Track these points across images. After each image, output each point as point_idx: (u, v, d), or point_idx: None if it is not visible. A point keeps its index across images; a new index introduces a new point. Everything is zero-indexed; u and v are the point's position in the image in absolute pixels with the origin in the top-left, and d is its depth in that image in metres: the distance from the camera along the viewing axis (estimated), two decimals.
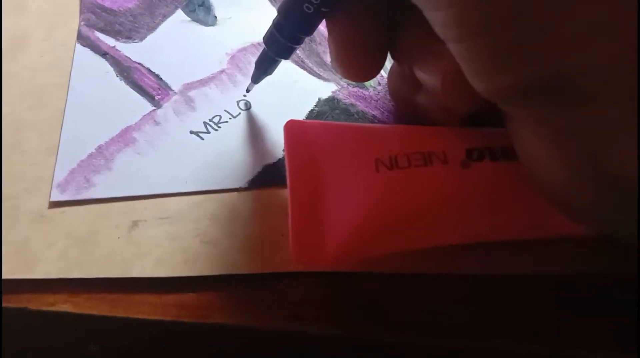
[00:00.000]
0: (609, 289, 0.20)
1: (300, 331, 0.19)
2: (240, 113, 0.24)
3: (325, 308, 0.19)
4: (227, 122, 0.23)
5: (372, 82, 0.26)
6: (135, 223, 0.20)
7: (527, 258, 0.20)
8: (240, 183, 0.22)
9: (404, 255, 0.20)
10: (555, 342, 0.19)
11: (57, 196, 0.21)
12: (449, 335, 0.19)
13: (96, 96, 0.24)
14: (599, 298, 0.20)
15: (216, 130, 0.23)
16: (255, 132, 0.23)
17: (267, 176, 0.22)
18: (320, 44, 0.27)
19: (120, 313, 0.19)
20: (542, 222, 0.20)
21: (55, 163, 0.22)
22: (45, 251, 0.20)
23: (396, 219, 0.18)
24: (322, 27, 0.28)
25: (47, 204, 0.21)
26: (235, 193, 0.21)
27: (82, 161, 0.22)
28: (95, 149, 0.22)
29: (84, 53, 0.25)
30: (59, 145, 0.22)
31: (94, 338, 0.21)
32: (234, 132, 0.23)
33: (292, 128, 0.21)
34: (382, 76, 0.26)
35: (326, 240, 0.18)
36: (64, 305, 0.19)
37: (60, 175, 0.21)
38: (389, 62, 0.21)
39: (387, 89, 0.25)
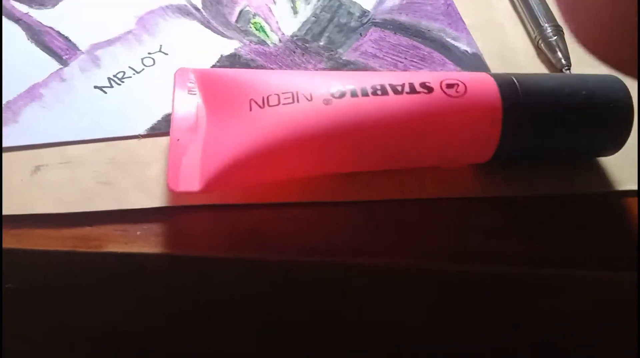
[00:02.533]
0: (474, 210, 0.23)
1: (189, 257, 0.21)
2: (143, 69, 0.25)
3: (213, 235, 0.21)
4: (130, 77, 0.25)
5: (273, 40, 0.27)
6: (37, 168, 0.22)
7: (396, 185, 0.23)
8: (140, 130, 0.23)
9: (286, 186, 0.22)
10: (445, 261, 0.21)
11: None
12: (339, 254, 0.21)
13: (6, 59, 0.25)
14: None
15: (119, 85, 0.25)
16: (156, 86, 0.25)
17: (165, 124, 0.23)
18: (226, 5, 0.29)
19: (23, 245, 0.20)
20: (399, 151, 0.22)
21: None
22: None
23: (267, 152, 0.20)
24: None
25: None
26: (135, 140, 0.23)
27: None
28: (3, 104, 0.24)
29: None
30: None
31: (8, 275, 0.22)
32: (137, 87, 0.25)
33: (180, 76, 0.23)
34: (283, 33, 0.28)
35: (201, 169, 0.20)
36: None
37: None
38: None
39: (287, 45, 0.27)
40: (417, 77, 0.22)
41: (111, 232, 0.21)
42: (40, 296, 0.24)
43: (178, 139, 0.21)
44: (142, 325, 0.26)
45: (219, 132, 0.21)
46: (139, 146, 0.23)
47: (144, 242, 0.21)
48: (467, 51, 0.27)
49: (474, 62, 0.27)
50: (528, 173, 0.23)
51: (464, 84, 0.22)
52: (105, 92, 0.24)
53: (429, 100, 0.21)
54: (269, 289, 0.23)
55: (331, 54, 0.27)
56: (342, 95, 0.21)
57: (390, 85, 0.21)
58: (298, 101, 0.21)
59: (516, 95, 0.22)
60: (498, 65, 0.27)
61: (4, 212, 0.21)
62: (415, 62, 0.27)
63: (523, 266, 0.21)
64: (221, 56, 0.26)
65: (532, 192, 0.23)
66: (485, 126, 0.22)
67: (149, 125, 0.23)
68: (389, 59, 0.27)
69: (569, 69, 0.27)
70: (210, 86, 0.22)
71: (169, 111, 0.24)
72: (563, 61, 0.27)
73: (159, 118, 0.24)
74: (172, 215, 0.21)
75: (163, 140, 0.23)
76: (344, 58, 0.27)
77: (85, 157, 0.22)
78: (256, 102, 0.21)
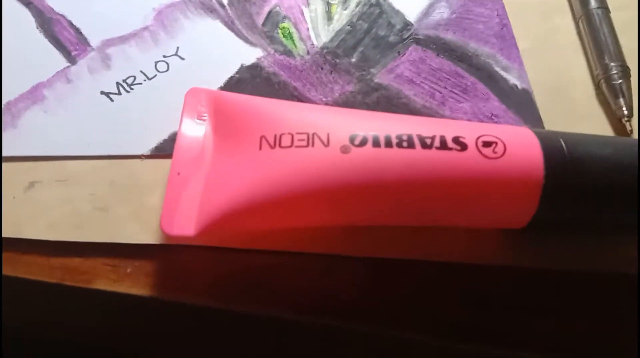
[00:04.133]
0: (497, 280, 0.20)
1: (181, 303, 0.19)
2: (156, 75, 0.23)
3: (207, 282, 0.20)
4: (140, 84, 0.23)
5: (300, 51, 0.25)
6: (32, 184, 0.21)
7: (415, 243, 0.21)
8: (144, 149, 0.21)
9: (291, 233, 0.20)
10: (442, 333, 0.19)
11: None
12: (335, 315, 0.20)
13: (13, 48, 0.23)
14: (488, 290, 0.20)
15: (128, 92, 0.23)
16: (167, 97, 0.23)
17: (172, 145, 0.21)
18: (254, 3, 0.26)
19: (8, 271, 0.19)
20: (423, 210, 0.19)
21: None
22: None
23: (274, 199, 0.18)
24: None
25: None
26: (138, 160, 0.21)
27: None
28: (4, 105, 0.22)
29: (8, 1, 0.25)
30: None
31: None
32: (146, 96, 0.23)
33: (191, 97, 0.21)
34: (313, 44, 0.25)
35: (199, 212, 0.19)
36: None
37: None
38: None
39: (314, 59, 0.25)
40: (449, 128, 0.19)
41: (101, 266, 0.20)
42: (23, 311, 0.23)
43: (179, 173, 0.19)
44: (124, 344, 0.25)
45: (223, 170, 0.19)
46: (141, 167, 0.21)
47: (133, 281, 0.19)
48: (516, 86, 0.24)
49: (522, 99, 0.24)
50: (562, 243, 0.21)
51: (503, 144, 0.19)
52: (112, 100, 0.22)
53: (461, 159, 0.19)
54: (263, 341, 0.22)
55: (362, 75, 0.24)
56: (363, 143, 0.19)
57: (418, 136, 0.19)
58: (313, 144, 0.19)
59: (562, 161, 0.19)
60: (548, 100, 0.24)
61: None
62: (456, 94, 0.24)
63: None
64: (242, 65, 0.24)
65: (565, 266, 0.21)
66: (524, 191, 0.19)
67: (154, 144, 0.22)
68: (426, 87, 0.24)
69: (629, 120, 0.23)
70: (222, 114, 0.20)
71: (176, 129, 0.22)
72: (625, 110, 0.23)
73: (166, 137, 0.22)
74: (166, 253, 0.20)
75: (167, 163, 0.21)
76: (375, 80, 0.24)
77: (84, 176, 0.21)
78: (267, 141, 0.19)
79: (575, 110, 0.24)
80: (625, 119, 0.24)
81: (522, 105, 0.24)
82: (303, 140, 0.19)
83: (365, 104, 0.23)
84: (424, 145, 0.19)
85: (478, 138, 0.19)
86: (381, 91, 0.24)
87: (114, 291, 0.19)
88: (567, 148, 0.19)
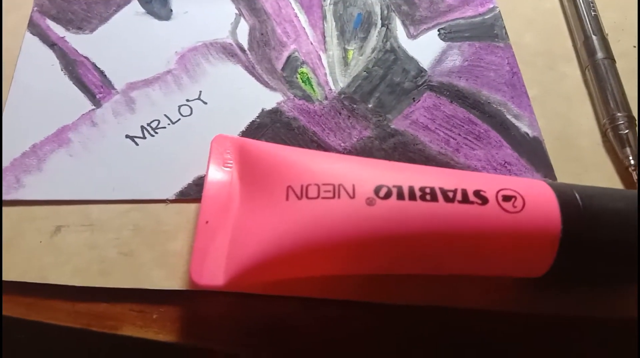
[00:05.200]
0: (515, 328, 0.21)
1: (205, 350, 0.20)
2: (179, 119, 0.24)
3: (234, 328, 0.20)
4: (164, 128, 0.23)
5: (319, 96, 0.25)
6: (58, 228, 0.21)
7: (436, 291, 0.21)
8: (168, 194, 0.22)
9: (312, 280, 0.21)
10: None
11: None
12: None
13: (38, 90, 0.24)
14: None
15: (152, 136, 0.23)
16: (191, 141, 0.23)
17: (196, 189, 0.22)
18: (274, 48, 0.27)
19: (34, 316, 0.20)
20: (444, 260, 0.20)
21: None
22: None
23: (301, 250, 0.19)
24: (279, 30, 0.27)
25: None
26: (162, 205, 0.22)
27: (15, 159, 0.22)
28: (29, 148, 0.22)
29: (32, 42, 0.25)
30: None
31: (12, 338, 0.22)
32: (170, 140, 0.23)
33: (217, 144, 0.21)
34: (331, 89, 0.26)
35: (228, 262, 0.19)
36: None
37: None
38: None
39: (332, 104, 0.25)
40: (471, 182, 0.20)
41: (127, 312, 0.20)
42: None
43: (207, 222, 0.20)
44: None
45: (251, 220, 0.20)
46: (165, 212, 0.22)
47: (160, 328, 0.20)
48: (527, 134, 0.25)
49: (534, 147, 0.25)
50: (579, 291, 0.22)
51: (522, 198, 0.20)
52: (137, 144, 0.23)
53: (482, 213, 0.19)
54: None
55: (379, 121, 0.25)
56: (388, 196, 0.19)
57: (440, 189, 0.19)
58: (339, 196, 0.19)
59: (578, 215, 0.20)
60: (557, 147, 0.25)
61: (17, 278, 0.20)
62: (470, 140, 0.25)
63: None
64: (262, 110, 0.25)
65: (579, 312, 0.21)
66: (541, 245, 0.20)
67: (178, 188, 0.22)
68: (441, 134, 0.25)
69: (635, 169, 0.24)
70: (248, 162, 0.21)
71: (200, 173, 0.22)
72: (632, 159, 0.24)
73: (190, 181, 0.22)
74: (191, 299, 0.20)
75: (191, 207, 0.22)
76: (392, 126, 0.25)
77: (109, 221, 0.21)
78: (294, 191, 0.20)
79: (583, 158, 0.25)
80: (632, 168, 0.24)
81: (533, 153, 0.24)
82: (329, 191, 0.19)
83: (383, 150, 0.24)
84: (447, 198, 0.19)
85: (498, 191, 0.20)
86: (397, 136, 0.25)
87: (140, 338, 0.19)
88: (582, 201, 0.20)
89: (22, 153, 0.22)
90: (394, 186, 0.19)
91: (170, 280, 0.20)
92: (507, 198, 0.20)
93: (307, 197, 0.19)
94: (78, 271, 0.20)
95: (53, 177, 0.22)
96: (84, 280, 0.20)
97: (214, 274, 0.19)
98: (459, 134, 0.25)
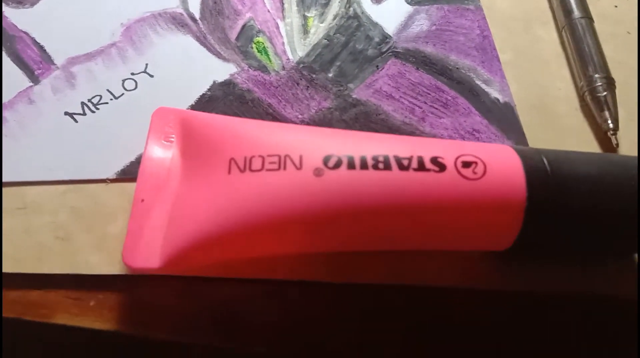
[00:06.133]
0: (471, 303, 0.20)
1: (143, 337, 0.18)
2: (123, 94, 0.22)
3: (177, 315, 0.19)
4: (107, 103, 0.22)
5: (275, 66, 0.24)
6: None
7: (397, 269, 0.20)
8: (109, 173, 0.20)
9: (262, 261, 0.19)
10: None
11: None
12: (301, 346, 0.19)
13: None
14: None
15: (93, 112, 0.22)
16: (135, 116, 0.22)
17: (138, 168, 0.21)
18: (228, 17, 0.25)
19: None
20: (402, 234, 0.18)
21: None
22: None
23: (244, 227, 0.17)
24: None
25: None
26: (102, 185, 0.20)
27: None
28: None
29: None
30: None
31: None
32: (112, 116, 0.22)
33: (157, 118, 0.20)
34: (288, 59, 0.24)
35: (164, 242, 0.18)
36: None
37: None
38: None
39: (290, 75, 0.24)
40: (428, 149, 0.18)
41: (62, 299, 0.19)
42: None
43: (143, 200, 0.18)
44: None
45: (190, 197, 0.18)
46: (105, 192, 0.20)
47: (97, 316, 0.18)
48: (498, 100, 0.23)
49: (504, 113, 0.23)
50: (545, 266, 0.20)
51: (484, 164, 0.18)
52: (76, 121, 0.21)
53: (439, 181, 0.18)
54: None
55: (340, 90, 0.23)
56: (337, 165, 0.18)
57: (395, 157, 0.18)
58: (285, 167, 0.18)
59: (545, 180, 0.18)
60: (532, 115, 0.23)
61: None
62: (436, 109, 0.23)
63: None
64: (214, 82, 0.23)
65: (544, 288, 0.20)
66: (505, 214, 0.18)
67: (119, 167, 0.20)
68: (406, 103, 0.23)
69: (614, 133, 0.23)
70: (190, 135, 0.19)
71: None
72: (610, 123, 0.23)
73: (132, 159, 0.21)
74: (131, 284, 0.19)
75: (134, 187, 0.20)
76: (353, 96, 0.23)
77: (45, 203, 0.20)
78: (237, 164, 0.18)
79: (560, 124, 0.24)
80: (611, 132, 0.23)
81: (504, 120, 0.23)
82: (274, 163, 0.18)
83: (343, 121, 0.22)
84: (401, 166, 0.18)
85: (457, 157, 0.18)
86: (359, 106, 0.23)
87: (75, 326, 0.18)
88: (550, 166, 0.18)
89: None
90: (344, 156, 0.18)
91: (110, 265, 0.19)
92: (466, 164, 0.18)
93: (250, 170, 0.18)
94: (12, 257, 0.19)
95: None
96: (18, 266, 0.18)
97: (149, 256, 0.18)
98: (425, 103, 0.23)
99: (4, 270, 0.18)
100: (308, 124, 0.22)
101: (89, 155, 0.21)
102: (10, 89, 0.22)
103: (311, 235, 0.18)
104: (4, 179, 0.20)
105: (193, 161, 0.19)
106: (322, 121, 0.23)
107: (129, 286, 0.19)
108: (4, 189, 0.20)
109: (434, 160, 0.18)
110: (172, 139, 0.20)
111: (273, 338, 0.19)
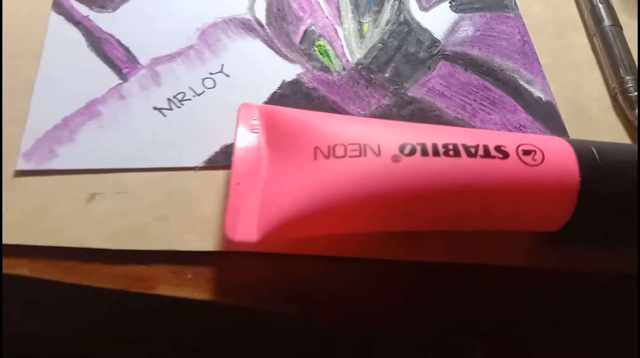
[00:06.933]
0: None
1: (235, 307, 0.20)
2: (204, 91, 0.24)
3: (264, 288, 0.21)
4: (190, 99, 0.24)
5: (337, 67, 0.26)
6: (92, 196, 0.21)
7: (456, 247, 0.22)
8: (197, 161, 0.23)
9: (337, 238, 0.21)
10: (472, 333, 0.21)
11: (22, 165, 0.22)
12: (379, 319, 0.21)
13: (66, 67, 0.24)
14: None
15: (179, 107, 0.24)
16: (216, 111, 0.24)
17: (224, 157, 0.23)
18: (291, 23, 0.27)
19: (73, 279, 0.20)
20: (466, 215, 0.21)
21: (23, 133, 0.23)
22: (6, 218, 0.21)
23: (330, 206, 0.19)
24: (295, 6, 0.28)
25: (12, 173, 0.22)
26: (191, 172, 0.23)
27: (47, 131, 0.23)
28: (60, 120, 0.23)
29: (57, 21, 0.26)
30: (27, 115, 0.23)
31: (52, 303, 0.22)
32: (196, 111, 0.24)
33: (243, 112, 0.22)
34: (348, 60, 0.26)
35: (260, 220, 0.20)
36: (22, 268, 0.20)
37: (26, 145, 0.22)
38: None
39: (350, 75, 0.26)
40: (492, 138, 0.21)
41: (163, 273, 0.21)
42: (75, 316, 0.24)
43: (238, 183, 0.21)
44: None
45: (280, 180, 0.20)
46: (194, 179, 0.22)
47: (195, 287, 0.20)
48: (540, 98, 0.26)
49: (547, 111, 0.25)
50: (592, 247, 0.22)
51: (542, 152, 0.20)
52: (165, 115, 0.24)
53: (503, 167, 0.20)
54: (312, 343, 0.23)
55: (396, 89, 0.26)
56: (412, 152, 0.20)
57: (463, 146, 0.20)
58: (365, 154, 0.20)
59: (595, 168, 0.20)
60: (568, 113, 0.26)
61: (55, 243, 0.20)
62: (485, 106, 0.25)
63: None
64: (283, 81, 0.25)
65: (591, 267, 0.22)
66: (560, 198, 0.20)
67: (206, 156, 0.23)
68: (457, 100, 0.25)
69: None
70: (274, 126, 0.22)
71: (227, 142, 0.23)
72: None
73: (217, 149, 0.23)
74: (223, 259, 0.21)
75: (219, 174, 0.22)
76: (409, 94, 0.25)
77: (141, 188, 0.22)
78: (321, 151, 0.20)
79: (595, 122, 0.26)
80: None
81: (547, 117, 0.25)
82: (356, 150, 0.20)
83: (401, 116, 0.25)
84: (469, 153, 0.20)
85: (518, 146, 0.20)
86: (415, 104, 0.25)
87: (177, 297, 0.20)
88: (599, 155, 0.21)
89: (54, 125, 0.23)
90: (417, 144, 0.20)
91: (202, 241, 0.21)
92: (527, 152, 0.20)
93: (334, 156, 0.20)
94: (114, 235, 0.21)
95: (85, 147, 0.22)
96: (120, 243, 0.21)
97: (248, 231, 0.20)
98: (475, 100, 0.26)
99: (109, 246, 0.21)
100: None
101: (178, 145, 0.23)
102: (101, 85, 0.24)
103: (388, 214, 0.20)
104: (104, 166, 0.22)
105: (280, 149, 0.21)
106: (382, 116, 0.25)
107: (220, 261, 0.21)
108: (104, 175, 0.22)
109: (498, 148, 0.20)
110: (257, 131, 0.22)
111: (346, 311, 0.21)
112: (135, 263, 0.21)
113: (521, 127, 0.25)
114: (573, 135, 0.25)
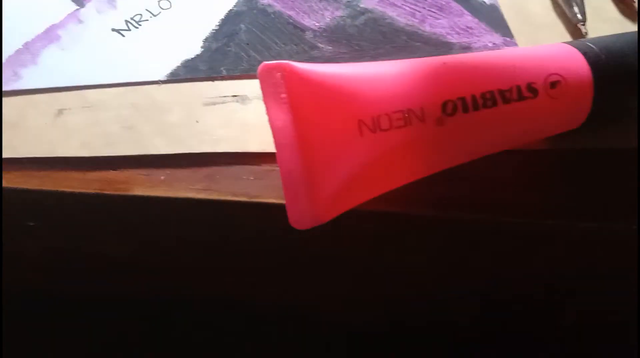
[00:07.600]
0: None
1: (213, 201, 0.21)
2: (160, 12, 0.25)
3: (236, 179, 0.22)
4: (147, 20, 0.25)
5: None
6: (60, 111, 0.22)
7: None
8: (160, 76, 0.23)
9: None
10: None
11: None
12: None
13: None
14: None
15: (136, 28, 0.25)
16: (174, 30, 0.25)
17: (185, 71, 0.24)
18: None
19: (48, 186, 0.21)
20: (506, 143, 0.22)
21: None
22: None
23: (382, 178, 0.20)
24: None
25: None
26: (155, 86, 0.23)
27: (10, 56, 0.23)
28: (22, 45, 0.23)
29: None
30: None
31: (29, 214, 0.23)
32: (154, 30, 0.25)
33: (265, 77, 0.19)
34: None
35: (315, 201, 0.19)
36: None
37: None
38: None
39: None
40: (522, 73, 0.21)
41: (136, 176, 0.21)
42: (59, 231, 0.25)
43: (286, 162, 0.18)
44: (159, 259, 0.27)
45: (329, 158, 0.19)
46: (159, 92, 0.23)
47: (168, 186, 0.21)
48: (484, 2, 0.27)
49: (491, 13, 0.27)
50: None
51: (565, 80, 0.21)
52: (123, 36, 0.24)
53: (535, 105, 0.21)
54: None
55: (349, 1, 0.27)
56: (454, 111, 0.19)
57: (498, 91, 0.20)
58: (411, 123, 0.19)
59: (602, 64, 0.21)
60: (511, 14, 0.27)
61: (27, 154, 0.21)
62: (433, 12, 0.27)
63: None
64: None
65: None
66: (580, 106, 0.22)
67: (168, 71, 0.23)
68: (407, 8, 0.27)
69: (584, 24, 0.27)
70: (310, 100, 0.19)
71: (187, 57, 0.24)
72: (579, 15, 0.27)
73: (178, 64, 0.24)
74: (195, 161, 0.22)
75: (182, 86, 0.23)
76: (361, 5, 0.27)
77: (107, 101, 0.23)
78: (366, 125, 0.19)
79: (537, 21, 0.28)
80: (581, 23, 0.27)
81: (492, 18, 0.27)
82: (400, 119, 0.19)
83: (355, 26, 0.26)
84: (505, 100, 0.20)
85: (546, 79, 0.21)
86: (367, 14, 0.26)
87: (152, 196, 0.21)
88: (601, 51, 0.21)
89: (15, 50, 0.23)
90: (458, 99, 0.20)
91: (171, 145, 0.22)
92: (553, 85, 0.21)
93: (380, 129, 0.19)
94: (85, 144, 0.21)
95: (48, 68, 0.23)
96: (92, 150, 0.21)
97: (307, 214, 0.19)
98: (424, 8, 0.27)
99: (81, 154, 0.21)
100: (325, 30, 0.26)
101: (138, 62, 0.24)
102: (60, 12, 0.25)
103: (434, 170, 0.21)
104: (68, 84, 0.23)
105: (321, 128, 0.19)
106: (337, 27, 0.26)
107: (192, 163, 0.22)
108: (69, 93, 0.23)
109: (529, 87, 0.20)
110: (286, 100, 0.19)
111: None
112: (107, 169, 0.22)
113: (468, 29, 0.26)
114: (516, 32, 0.27)
